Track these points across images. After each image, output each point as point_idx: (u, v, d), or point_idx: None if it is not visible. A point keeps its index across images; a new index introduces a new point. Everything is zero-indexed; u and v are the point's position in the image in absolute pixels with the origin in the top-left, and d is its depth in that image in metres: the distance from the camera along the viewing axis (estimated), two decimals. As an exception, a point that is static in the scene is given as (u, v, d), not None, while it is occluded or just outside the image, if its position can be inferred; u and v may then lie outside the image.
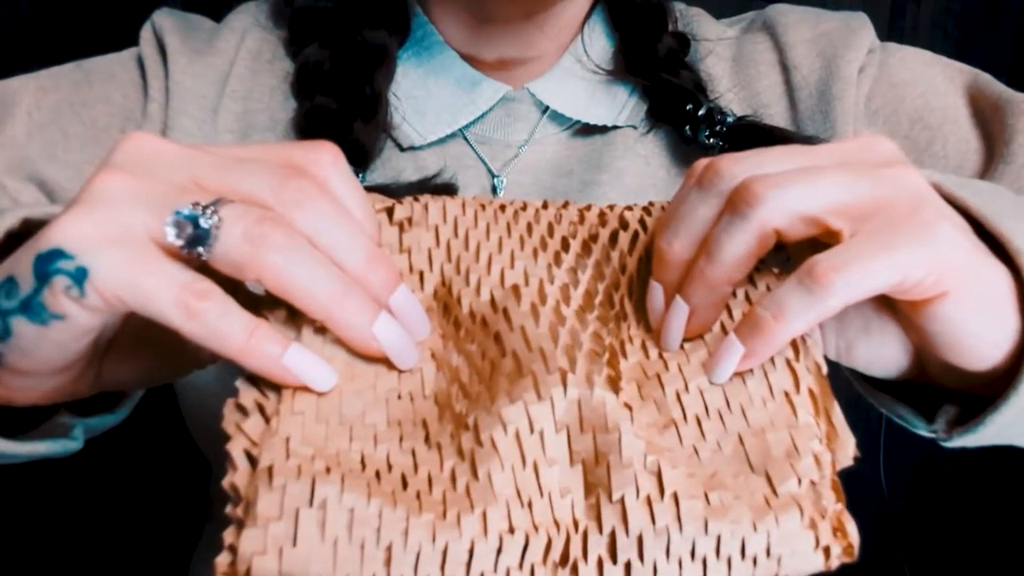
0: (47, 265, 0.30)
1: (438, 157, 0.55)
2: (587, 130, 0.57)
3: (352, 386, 0.33)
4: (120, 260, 0.30)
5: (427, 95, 0.56)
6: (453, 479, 0.31)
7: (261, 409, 0.32)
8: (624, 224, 0.39)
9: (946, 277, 0.31)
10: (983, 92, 0.56)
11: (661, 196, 0.55)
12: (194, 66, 0.56)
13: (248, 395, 0.32)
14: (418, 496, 0.30)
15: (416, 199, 0.38)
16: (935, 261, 0.31)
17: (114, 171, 0.31)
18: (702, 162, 0.35)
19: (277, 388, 0.32)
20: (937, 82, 0.57)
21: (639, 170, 0.56)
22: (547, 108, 0.56)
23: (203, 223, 0.30)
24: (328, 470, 0.30)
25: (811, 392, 0.33)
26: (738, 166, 0.33)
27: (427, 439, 0.32)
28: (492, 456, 0.31)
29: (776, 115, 0.56)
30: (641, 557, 0.30)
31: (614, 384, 0.33)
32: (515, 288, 0.36)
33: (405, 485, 0.31)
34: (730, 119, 0.54)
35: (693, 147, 0.56)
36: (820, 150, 0.34)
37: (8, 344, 0.32)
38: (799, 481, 0.31)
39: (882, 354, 0.37)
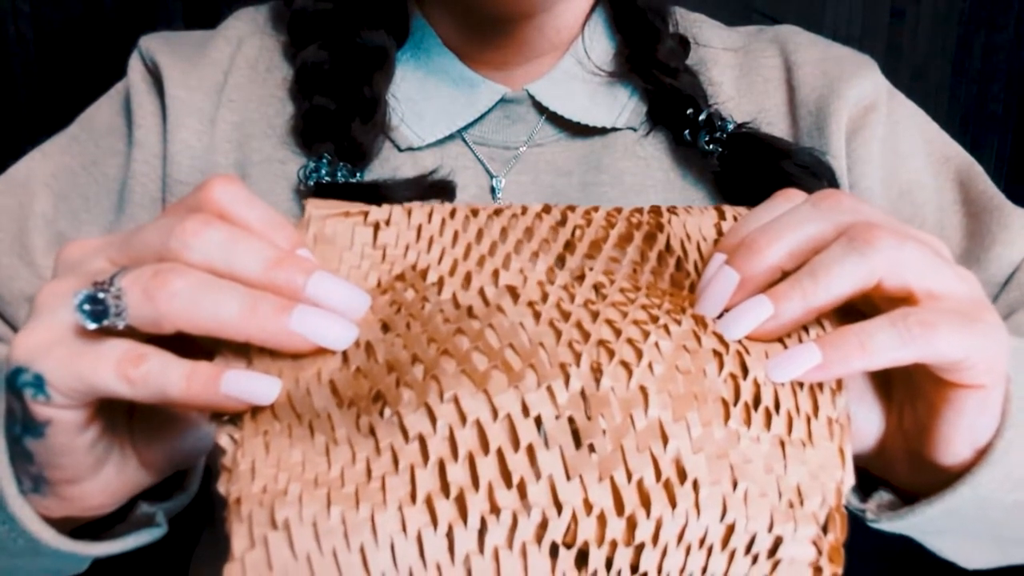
0: (15, 382, 0.33)
1: (436, 158, 0.55)
2: (586, 131, 0.57)
3: (301, 385, 0.33)
4: (61, 356, 0.32)
5: (426, 97, 0.56)
6: (424, 454, 0.31)
7: (236, 442, 0.32)
8: (636, 225, 0.38)
9: (990, 373, 0.34)
10: (975, 184, 0.58)
11: (661, 198, 0.56)
12: (188, 78, 0.56)
13: (222, 435, 0.33)
14: (383, 484, 0.30)
15: (402, 205, 0.38)
16: (994, 356, 0.34)
17: (50, 281, 0.35)
18: (801, 192, 0.37)
19: (241, 417, 0.33)
20: (935, 160, 0.59)
21: (639, 171, 0.56)
22: (546, 110, 0.56)
23: (101, 297, 0.32)
24: (286, 490, 0.30)
25: (842, 426, 0.34)
26: (856, 204, 0.35)
27: (383, 410, 0.31)
28: (471, 438, 0.31)
29: (779, 131, 0.57)
30: (655, 541, 0.30)
31: (629, 368, 0.32)
32: (510, 288, 0.35)
33: (369, 475, 0.30)
34: (730, 126, 0.54)
35: (692, 151, 0.56)
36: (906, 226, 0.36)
37: (36, 463, 0.35)
38: (823, 500, 0.32)
39: (859, 427, 0.38)
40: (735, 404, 0.32)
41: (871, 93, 0.57)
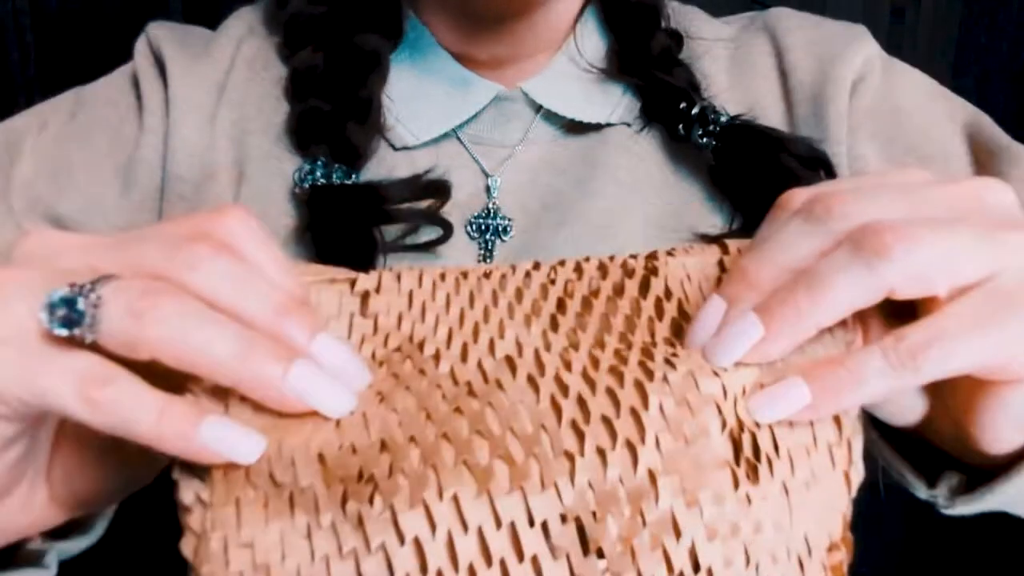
0: None
1: (432, 157, 0.55)
2: (580, 128, 0.57)
3: (284, 453, 0.30)
4: (12, 360, 0.29)
5: (420, 96, 0.56)
6: (422, 561, 0.28)
7: (205, 504, 0.30)
8: (630, 272, 0.36)
9: None
10: (982, 134, 0.55)
11: (656, 193, 0.56)
12: (191, 76, 0.56)
13: (187, 491, 0.30)
14: None
15: (390, 269, 0.36)
16: None
17: (9, 270, 0.30)
18: (802, 193, 0.33)
19: (208, 470, 0.30)
20: (938, 116, 0.56)
21: (633, 167, 0.56)
22: (540, 107, 0.56)
23: (79, 303, 0.28)
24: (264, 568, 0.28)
25: (849, 443, 0.31)
26: (851, 206, 0.31)
27: (373, 497, 0.29)
28: (473, 547, 0.28)
29: (773, 119, 0.56)
30: None
31: (634, 451, 0.30)
32: (508, 359, 0.32)
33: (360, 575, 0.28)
34: (724, 119, 0.54)
35: (687, 145, 0.55)
36: (933, 194, 0.31)
37: None
38: (829, 540, 0.30)
39: (898, 405, 0.36)
40: (738, 463, 0.30)
41: (862, 66, 0.56)
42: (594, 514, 0.29)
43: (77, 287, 0.29)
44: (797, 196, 0.33)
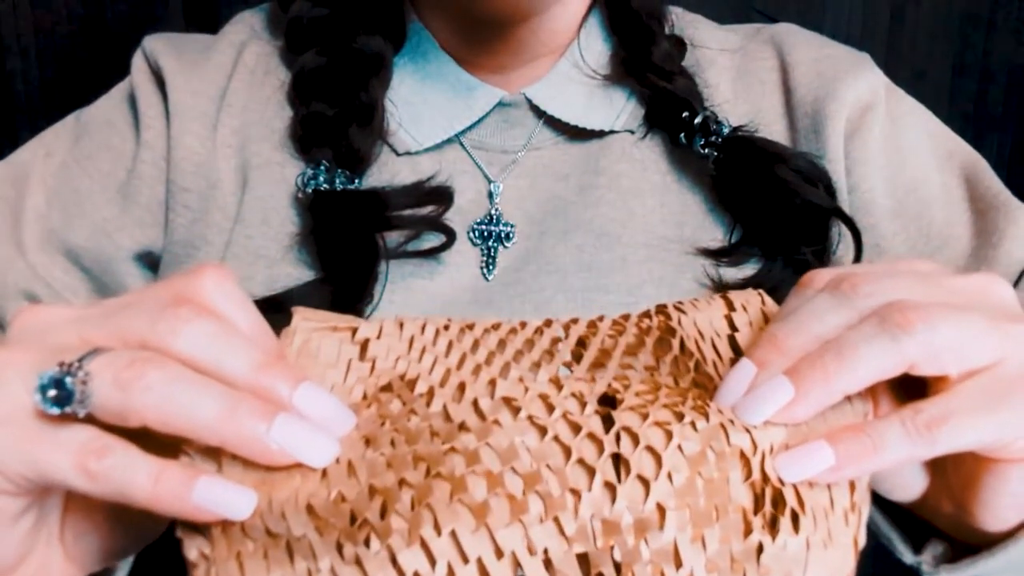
0: None
1: (434, 163, 0.55)
2: (583, 134, 0.57)
3: (274, 507, 0.30)
4: (12, 439, 0.30)
5: (423, 101, 0.56)
6: None
7: (208, 559, 0.31)
8: (645, 331, 0.36)
9: None
10: (981, 181, 0.56)
11: (658, 201, 0.56)
12: (191, 84, 0.55)
13: (191, 548, 0.31)
14: None
15: (394, 318, 0.36)
16: None
17: (3, 350, 0.32)
18: (826, 272, 0.35)
19: (208, 527, 0.31)
20: (939, 156, 0.57)
21: (636, 174, 0.56)
22: (544, 113, 0.56)
23: (68, 382, 0.30)
24: None
25: (860, 509, 0.32)
26: (876, 285, 0.33)
27: (368, 540, 0.29)
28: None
29: (775, 133, 0.57)
30: None
31: (647, 484, 0.30)
32: (507, 400, 0.32)
33: None
34: (725, 130, 0.54)
35: (689, 153, 0.56)
36: (947, 282, 0.34)
37: None
38: None
39: (901, 479, 0.37)
40: (756, 513, 0.30)
41: (867, 93, 0.56)
42: (596, 544, 0.29)
43: (66, 366, 0.30)
44: (822, 275, 0.35)
